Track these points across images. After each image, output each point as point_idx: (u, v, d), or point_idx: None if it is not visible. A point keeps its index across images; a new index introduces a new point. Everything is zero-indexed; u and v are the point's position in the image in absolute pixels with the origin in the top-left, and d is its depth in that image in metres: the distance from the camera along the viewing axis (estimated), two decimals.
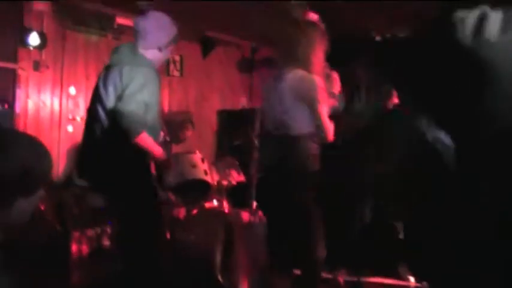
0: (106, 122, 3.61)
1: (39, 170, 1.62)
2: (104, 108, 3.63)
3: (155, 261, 3.76)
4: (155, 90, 3.66)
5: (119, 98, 3.51)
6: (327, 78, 3.80)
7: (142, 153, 3.63)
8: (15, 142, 1.60)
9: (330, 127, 3.62)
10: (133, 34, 3.82)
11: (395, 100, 4.94)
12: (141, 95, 3.49)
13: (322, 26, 3.78)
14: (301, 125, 3.62)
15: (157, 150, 3.70)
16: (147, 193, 3.73)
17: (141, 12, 3.84)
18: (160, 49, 3.77)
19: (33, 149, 1.63)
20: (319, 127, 3.59)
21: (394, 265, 5.60)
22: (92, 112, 3.76)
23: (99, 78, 3.81)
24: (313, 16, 3.82)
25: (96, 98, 3.73)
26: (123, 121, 3.43)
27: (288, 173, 3.63)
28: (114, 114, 3.49)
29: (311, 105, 3.56)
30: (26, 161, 1.58)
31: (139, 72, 3.56)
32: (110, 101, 3.58)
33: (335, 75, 3.88)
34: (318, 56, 3.69)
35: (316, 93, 3.54)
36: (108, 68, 3.73)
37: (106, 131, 3.60)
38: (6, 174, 1.54)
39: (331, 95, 3.77)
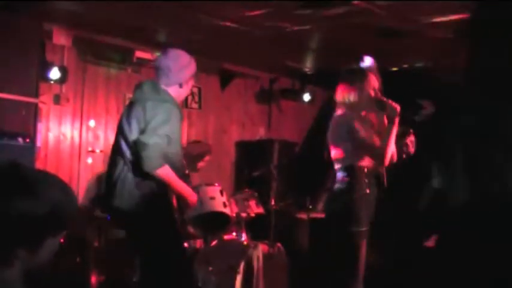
0: (129, 156, 3.64)
1: (67, 209, 1.63)
2: (126, 142, 3.67)
3: None
4: (178, 125, 3.71)
5: (142, 131, 3.55)
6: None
7: (164, 187, 3.65)
8: (44, 182, 1.60)
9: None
10: (154, 71, 3.88)
11: None
12: (163, 129, 3.53)
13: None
14: None
15: (180, 184, 3.72)
16: (170, 227, 3.75)
17: (162, 50, 3.90)
18: (181, 85, 3.82)
19: (61, 189, 1.64)
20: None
21: None
22: (115, 147, 3.81)
23: (122, 114, 3.87)
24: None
25: (120, 133, 3.77)
26: (145, 153, 3.46)
27: None
28: (136, 147, 3.53)
29: None
30: (55, 200, 1.59)
31: (163, 108, 3.61)
32: (133, 135, 3.62)
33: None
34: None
35: None
36: (131, 104, 3.79)
37: (128, 165, 3.63)
38: (38, 214, 1.54)
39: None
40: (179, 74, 3.79)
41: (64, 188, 1.66)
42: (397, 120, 3.77)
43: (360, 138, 3.83)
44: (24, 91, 5.28)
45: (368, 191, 3.85)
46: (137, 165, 3.55)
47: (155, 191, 3.62)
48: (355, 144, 3.84)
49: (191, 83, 3.94)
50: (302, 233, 6.40)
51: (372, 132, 3.88)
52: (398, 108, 3.76)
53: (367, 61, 3.94)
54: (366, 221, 3.85)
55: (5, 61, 5.17)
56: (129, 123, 3.67)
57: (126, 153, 3.66)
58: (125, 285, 5.10)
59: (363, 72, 3.90)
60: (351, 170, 3.89)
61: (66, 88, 6.30)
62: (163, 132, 3.53)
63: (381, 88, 3.91)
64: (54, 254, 1.66)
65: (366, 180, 3.86)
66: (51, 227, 1.59)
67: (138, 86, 3.84)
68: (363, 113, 3.91)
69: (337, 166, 3.95)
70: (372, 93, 3.85)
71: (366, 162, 3.86)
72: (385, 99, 3.82)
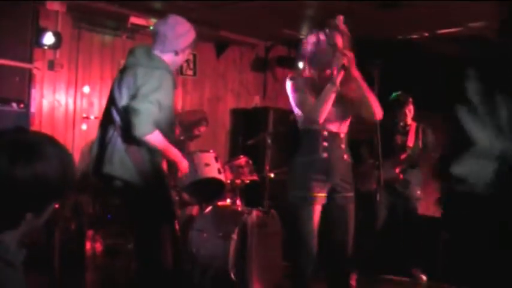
0: (119, 122, 3.63)
1: (72, 170, 1.64)
2: (117, 109, 3.65)
3: (169, 260, 3.77)
4: (170, 92, 3.67)
5: (132, 97, 3.53)
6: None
7: (155, 153, 3.64)
8: (51, 144, 1.61)
9: None
10: (151, 36, 3.85)
11: None
12: (155, 95, 3.50)
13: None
14: None
15: (171, 149, 3.71)
16: (160, 192, 3.74)
17: (161, 16, 3.87)
18: (177, 53, 3.78)
19: (64, 150, 1.65)
20: None
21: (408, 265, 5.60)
22: (106, 113, 3.79)
23: (114, 80, 3.84)
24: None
25: (110, 99, 3.76)
26: (135, 118, 3.44)
27: None
28: (127, 112, 3.51)
29: None
30: (63, 162, 1.60)
31: (155, 74, 3.58)
32: (124, 101, 3.60)
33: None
34: None
35: None
36: (123, 71, 3.76)
37: (118, 131, 3.62)
38: (49, 176, 1.55)
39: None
40: (175, 41, 3.75)
41: (66, 150, 1.67)
42: (341, 72, 3.70)
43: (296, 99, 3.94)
44: (18, 56, 5.24)
45: (325, 155, 3.81)
46: (127, 131, 3.52)
47: (145, 157, 3.61)
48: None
49: (188, 51, 3.90)
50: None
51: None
52: (346, 59, 3.69)
53: (335, 21, 3.89)
54: (309, 186, 3.78)
55: None
56: (120, 89, 3.65)
57: (116, 119, 3.64)
58: (120, 252, 5.13)
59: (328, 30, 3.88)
60: (306, 133, 3.92)
61: (60, 54, 6.26)
62: (154, 98, 3.49)
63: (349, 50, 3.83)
64: (48, 219, 1.67)
65: (325, 144, 3.82)
66: (60, 189, 1.60)
67: (131, 52, 3.80)
68: (327, 72, 3.86)
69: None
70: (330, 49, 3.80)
71: (326, 125, 3.83)
72: (339, 48, 3.76)
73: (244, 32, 7.51)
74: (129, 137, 3.53)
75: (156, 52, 3.73)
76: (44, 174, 1.54)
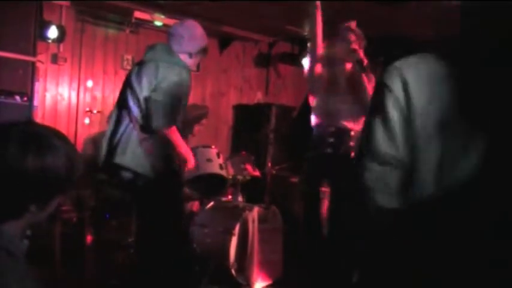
0: (135, 113, 3.69)
1: (78, 164, 1.65)
2: (134, 99, 3.71)
3: (172, 254, 3.79)
4: (187, 89, 3.81)
5: (153, 90, 3.61)
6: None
7: (168, 147, 3.70)
8: (58, 137, 1.62)
9: None
10: (168, 37, 3.95)
11: None
12: (175, 89, 3.63)
13: None
14: None
15: (183, 145, 3.78)
16: (171, 187, 3.79)
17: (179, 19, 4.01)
18: (191, 55, 3.92)
19: (70, 144, 1.66)
20: None
21: None
22: (121, 104, 3.84)
23: (130, 72, 3.91)
24: None
25: (127, 90, 3.81)
26: (156, 110, 3.55)
27: None
28: (148, 104, 3.59)
29: None
30: (69, 155, 1.61)
31: (175, 70, 3.71)
32: (144, 93, 3.68)
33: None
34: None
35: None
36: (141, 63, 3.82)
37: (134, 122, 3.68)
38: (55, 168, 1.56)
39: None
40: (191, 43, 3.88)
41: (73, 145, 1.68)
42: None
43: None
44: (21, 50, 5.25)
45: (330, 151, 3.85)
46: (144, 122, 3.61)
47: (159, 150, 3.68)
48: None
49: (199, 56, 4.04)
50: (297, 197, 6.44)
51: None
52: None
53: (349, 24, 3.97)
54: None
55: (3, 19, 5.13)
56: (140, 81, 3.72)
57: (133, 110, 3.70)
58: (120, 246, 5.14)
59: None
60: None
61: (64, 48, 6.27)
62: (174, 92, 3.61)
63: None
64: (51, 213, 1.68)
65: (331, 140, 3.88)
66: (65, 183, 1.61)
67: (151, 47, 3.92)
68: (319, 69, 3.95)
69: None
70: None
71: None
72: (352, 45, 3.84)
73: (248, 28, 7.50)
74: (146, 128, 3.60)
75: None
76: (53, 167, 1.55)
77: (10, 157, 1.51)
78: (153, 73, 3.68)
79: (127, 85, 3.86)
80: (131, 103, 3.74)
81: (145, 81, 3.69)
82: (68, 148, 1.62)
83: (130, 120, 3.72)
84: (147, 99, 3.63)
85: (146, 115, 3.62)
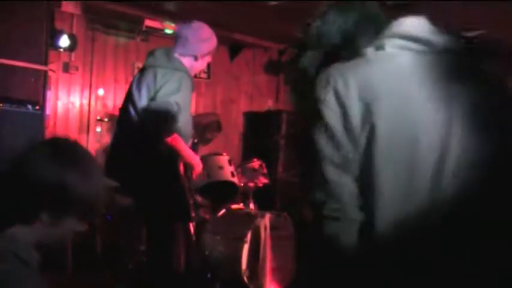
0: (137, 122, 3.64)
1: (102, 200, 1.66)
2: (135, 109, 3.66)
3: (181, 262, 3.78)
4: (188, 95, 3.71)
5: (152, 98, 3.55)
6: None
7: (173, 154, 3.65)
8: (94, 165, 1.64)
9: None
10: (174, 39, 3.87)
11: None
12: (174, 97, 3.52)
13: None
14: None
15: (187, 151, 3.72)
16: (176, 194, 3.75)
17: (185, 21, 3.91)
18: (196, 58, 3.82)
19: (105, 179, 1.68)
20: None
21: None
22: (123, 113, 3.81)
23: (133, 80, 3.86)
24: None
25: (129, 99, 3.77)
26: (155, 119, 3.46)
27: None
28: (146, 113, 3.53)
29: None
30: (95, 188, 1.62)
31: (174, 76, 3.61)
32: (143, 102, 3.61)
33: None
34: None
35: None
36: (142, 70, 3.78)
37: (136, 131, 3.64)
38: (77, 188, 1.57)
39: None
40: (196, 45, 3.79)
41: (107, 180, 1.69)
42: None
43: None
44: (33, 58, 5.26)
45: None
46: (145, 131, 3.55)
47: (163, 158, 3.63)
48: None
49: (207, 58, 3.93)
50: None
51: None
52: None
53: None
54: None
55: (14, 28, 5.15)
56: (139, 90, 3.67)
57: (134, 119, 3.66)
58: (132, 254, 5.13)
59: None
60: None
61: (75, 56, 6.30)
62: (174, 100, 3.52)
63: None
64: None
65: None
66: (83, 204, 1.61)
67: (151, 53, 3.85)
68: None
69: None
70: None
71: None
72: None
73: (258, 35, 7.50)
74: (147, 137, 3.55)
75: (176, 54, 3.75)
76: (74, 184, 1.55)
77: (35, 159, 1.52)
78: (152, 80, 3.62)
79: (128, 94, 3.83)
80: (132, 112, 3.70)
81: (144, 90, 3.65)
82: (100, 181, 1.62)
83: (133, 129, 3.69)
84: (146, 109, 3.58)
85: (147, 124, 3.56)
